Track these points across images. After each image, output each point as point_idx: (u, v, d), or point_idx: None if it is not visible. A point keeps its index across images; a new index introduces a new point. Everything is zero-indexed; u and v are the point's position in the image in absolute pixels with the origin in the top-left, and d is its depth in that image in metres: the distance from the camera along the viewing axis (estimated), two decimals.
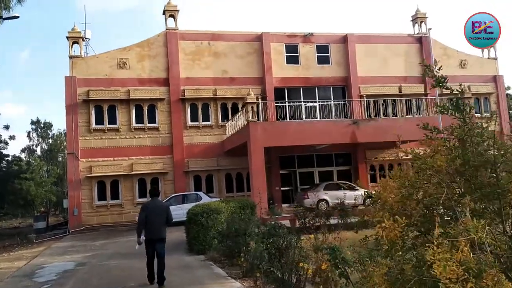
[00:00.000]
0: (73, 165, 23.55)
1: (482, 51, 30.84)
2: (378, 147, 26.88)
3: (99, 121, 24.14)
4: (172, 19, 25.73)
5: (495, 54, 30.64)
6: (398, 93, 27.56)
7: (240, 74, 26.06)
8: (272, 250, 6.56)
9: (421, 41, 28.90)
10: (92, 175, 23.59)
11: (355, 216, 16.35)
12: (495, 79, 30.29)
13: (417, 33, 29.15)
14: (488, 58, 30.57)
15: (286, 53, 26.98)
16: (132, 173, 24.03)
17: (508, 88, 40.19)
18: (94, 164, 23.75)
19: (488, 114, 29.69)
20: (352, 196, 23.06)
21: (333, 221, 15.93)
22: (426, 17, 29.29)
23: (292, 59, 27.02)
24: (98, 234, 21.09)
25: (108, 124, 24.18)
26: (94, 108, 24.11)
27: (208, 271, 9.98)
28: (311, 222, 15.46)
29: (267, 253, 6.65)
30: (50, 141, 62.97)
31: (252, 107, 19.71)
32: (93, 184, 23.72)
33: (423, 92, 28.05)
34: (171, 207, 20.31)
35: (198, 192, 23.11)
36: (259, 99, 20.80)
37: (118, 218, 23.84)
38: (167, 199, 22.36)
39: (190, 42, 25.67)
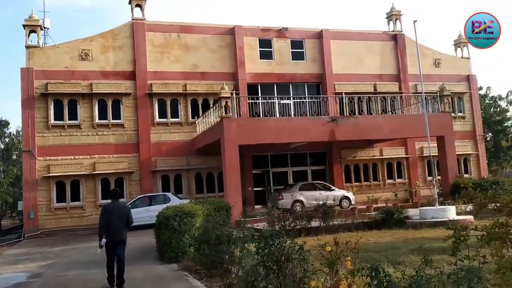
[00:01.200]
0: (29, 164, 21.62)
1: (455, 50, 30.64)
2: (353, 146, 26.18)
3: (59, 116, 22.28)
4: (139, 9, 24.14)
5: (468, 53, 30.48)
6: (373, 91, 26.89)
7: (211, 68, 24.75)
8: (269, 264, 5.36)
9: (396, 38, 28.38)
10: (50, 174, 21.73)
11: (337, 219, 15.45)
12: (468, 79, 30.11)
13: (392, 31, 28.58)
14: (462, 57, 30.37)
15: (259, 48, 25.83)
16: (95, 172, 22.32)
17: (481, 88, 40.42)
18: (53, 163, 21.90)
19: (461, 114, 29.50)
20: (329, 196, 22.30)
21: (314, 223, 14.94)
22: (401, 15, 28.79)
23: (266, 54, 25.91)
24: (57, 239, 19.36)
25: (69, 120, 22.37)
26: (53, 103, 22.25)
27: (185, 284, 8.65)
28: (292, 225, 14.36)
29: (263, 267, 5.45)
30: (7, 140, 59.99)
31: (226, 102, 18.50)
32: (51, 184, 21.86)
33: (397, 91, 27.49)
34: (137, 209, 19.03)
35: (166, 193, 21.65)
36: (234, 94, 19.52)
37: (79, 222, 22.08)
38: (132, 200, 20.83)
39: (158, 34, 24.15)
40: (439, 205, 17.15)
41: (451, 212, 15.33)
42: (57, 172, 21.85)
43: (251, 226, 14.85)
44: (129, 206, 16.87)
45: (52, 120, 22.12)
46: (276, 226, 14.73)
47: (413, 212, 16.63)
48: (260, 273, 5.46)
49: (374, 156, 26.84)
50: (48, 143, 21.97)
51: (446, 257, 9.21)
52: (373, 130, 20.42)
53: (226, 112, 18.41)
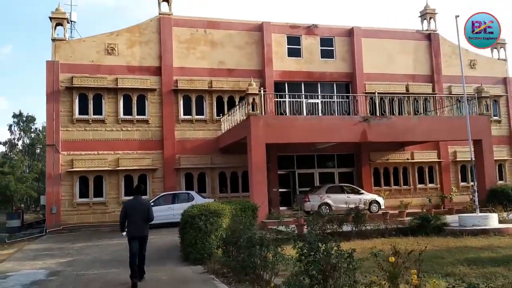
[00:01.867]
0: (52, 159, 21.37)
1: (492, 51, 29.35)
2: (383, 149, 25.25)
3: (83, 111, 21.99)
4: (165, 3, 23.71)
5: (505, 55, 29.16)
6: (405, 91, 25.86)
7: (238, 65, 24.14)
8: (314, 273, 4.67)
9: (430, 38, 27.29)
10: (74, 169, 21.45)
11: (370, 223, 14.63)
12: (505, 81, 28.79)
13: (426, 30, 27.50)
14: (498, 58, 29.07)
15: (287, 45, 25.11)
16: (118, 168, 21.94)
17: None
18: (76, 157, 21.61)
19: (497, 118, 28.22)
20: (358, 200, 21.45)
21: (346, 228, 14.14)
22: (436, 13, 27.69)
23: (294, 52, 25.18)
24: (78, 235, 18.99)
25: (93, 114, 22.05)
26: (78, 97, 21.97)
27: None
28: (322, 228, 13.59)
29: (306, 276, 4.76)
30: (33, 135, 60.75)
31: (254, 99, 17.85)
32: (74, 179, 21.57)
33: (431, 92, 26.41)
34: (160, 207, 18.55)
35: (189, 192, 21.13)
36: (261, 91, 18.86)
37: (101, 218, 21.73)
38: (155, 198, 20.37)
39: (185, 29, 23.67)
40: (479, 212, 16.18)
41: (493, 220, 14.35)
42: (81, 167, 21.55)
43: (282, 228, 14.16)
44: (151, 202, 16.39)
45: (76, 114, 21.83)
46: (305, 229, 14.04)
47: (450, 219, 15.65)
48: (303, 284, 4.76)
49: (405, 159, 25.82)
50: (72, 138, 21.69)
51: (500, 270, 8.47)
52: (407, 132, 19.49)
53: (253, 110, 17.76)
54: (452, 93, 26.16)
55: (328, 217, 14.00)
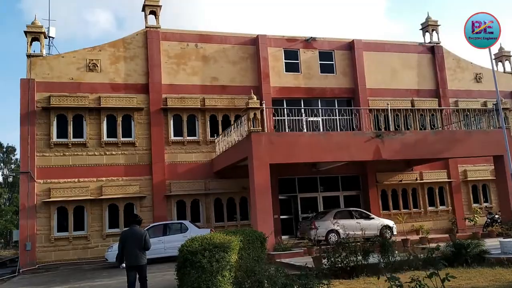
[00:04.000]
0: (27, 188, 19.00)
1: (497, 65, 28.00)
2: (389, 169, 23.38)
3: (62, 134, 19.78)
4: (153, 16, 21.89)
5: (511, 68, 27.82)
6: (410, 107, 24.17)
7: (232, 82, 22.27)
8: None
9: (434, 51, 25.85)
10: (51, 199, 19.07)
11: (399, 253, 12.54)
12: None
13: (429, 42, 26.07)
14: (504, 72, 27.70)
15: (285, 59, 23.37)
16: (102, 197, 19.62)
17: None
18: (54, 186, 19.27)
19: None
20: (368, 225, 19.49)
21: (371, 259, 12.02)
22: (438, 25, 26.31)
23: (292, 67, 23.43)
24: (56, 275, 16.51)
25: (73, 137, 19.85)
26: (56, 118, 19.78)
27: None
28: (345, 261, 11.47)
29: None
30: (13, 166, 58.38)
31: (255, 114, 15.85)
32: (51, 211, 19.17)
33: (437, 107, 24.76)
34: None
35: (183, 221, 18.82)
36: (264, 105, 16.93)
37: (83, 254, 19.28)
38: (144, 229, 17.98)
39: (174, 44, 21.80)
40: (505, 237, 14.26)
41: None
42: (59, 197, 19.20)
43: (293, 261, 12.04)
44: (146, 231, 14.66)
45: (54, 138, 19.60)
46: (325, 263, 11.90)
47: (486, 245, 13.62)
48: None
49: (413, 180, 23.91)
50: (49, 164, 19.41)
51: None
52: (423, 148, 17.64)
53: (255, 126, 15.76)
54: (457, 109, 24.53)
55: (351, 247, 11.85)
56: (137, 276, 9.23)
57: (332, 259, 11.53)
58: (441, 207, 24.30)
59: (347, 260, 11.54)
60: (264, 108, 16.65)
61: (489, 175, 25.23)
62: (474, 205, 24.85)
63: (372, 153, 16.80)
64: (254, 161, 15.50)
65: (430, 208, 24.10)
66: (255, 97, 16.39)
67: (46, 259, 18.81)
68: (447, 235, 18.82)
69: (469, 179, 24.91)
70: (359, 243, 12.59)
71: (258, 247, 12.18)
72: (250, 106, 15.83)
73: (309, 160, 16.66)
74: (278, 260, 14.06)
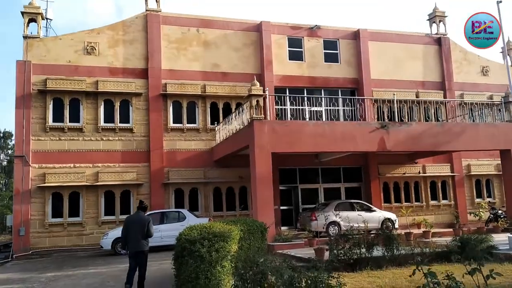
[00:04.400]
0: (21, 172, 18.54)
1: (504, 59, 27.46)
2: (392, 161, 22.94)
3: (58, 117, 19.28)
4: None
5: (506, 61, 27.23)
6: (415, 99, 23.63)
7: (234, 69, 21.72)
8: None
9: (440, 42, 25.29)
10: (46, 185, 18.61)
11: (404, 246, 12.11)
12: None
13: (436, 33, 25.50)
14: (511, 65, 27.10)
15: (288, 47, 22.82)
16: (98, 184, 19.17)
17: None
18: (49, 171, 18.79)
19: None
20: (370, 218, 19.09)
21: (376, 252, 11.60)
22: (445, 16, 25.73)
23: (296, 55, 22.88)
24: (50, 262, 16.10)
25: (69, 122, 19.34)
26: (52, 102, 19.26)
27: None
28: (348, 254, 11.03)
29: None
30: (10, 151, 57.91)
31: (258, 101, 15.34)
32: (46, 196, 18.71)
33: (442, 99, 24.24)
34: None
35: (180, 210, 18.40)
36: (267, 92, 16.42)
37: (78, 241, 18.87)
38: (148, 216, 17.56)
39: (175, 28, 21.22)
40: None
41: None
42: (54, 182, 18.73)
43: (294, 253, 11.62)
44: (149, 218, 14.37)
45: (50, 122, 19.10)
46: (327, 255, 11.48)
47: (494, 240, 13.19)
48: None
49: (416, 173, 23.47)
50: (44, 148, 18.92)
51: None
52: (429, 140, 17.16)
53: (258, 113, 15.26)
54: (464, 101, 24.02)
55: (354, 239, 11.41)
56: (137, 263, 9.20)
57: (335, 251, 11.08)
58: (443, 201, 23.90)
59: (350, 252, 11.12)
60: (267, 96, 16.12)
61: (493, 170, 24.83)
62: (477, 200, 24.44)
63: (376, 144, 16.33)
64: (255, 150, 15.03)
65: (432, 202, 23.70)
66: (258, 83, 15.86)
67: (40, 245, 18.39)
68: (450, 230, 18.45)
69: (472, 173, 24.49)
70: (362, 236, 12.16)
71: (259, 238, 11.76)
72: (252, 92, 15.32)
73: (312, 150, 16.21)
74: (279, 251, 13.62)
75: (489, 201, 24.21)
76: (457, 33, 67.06)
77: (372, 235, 12.56)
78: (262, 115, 15.41)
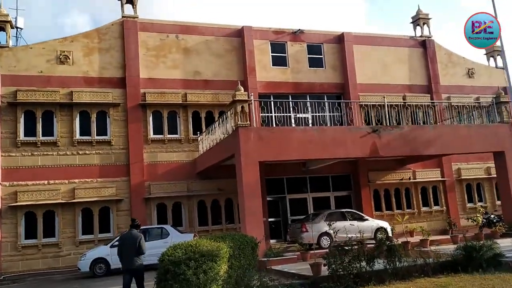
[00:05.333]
0: None
1: (488, 60, 27.22)
2: (382, 168, 22.26)
3: (30, 131, 18.10)
4: (130, 5, 20.35)
5: (504, 63, 26.95)
6: (403, 103, 23.05)
7: (216, 76, 20.86)
8: None
9: (425, 45, 24.85)
10: (18, 204, 17.37)
11: (406, 258, 11.27)
12: (505, 91, 26.44)
13: (420, 36, 25.07)
14: (496, 67, 26.88)
15: (272, 52, 22.04)
16: (74, 201, 18.00)
17: None
18: (21, 189, 17.57)
19: None
20: (362, 227, 18.28)
21: (377, 265, 10.73)
22: (429, 18, 25.34)
23: (279, 60, 22.12)
24: (23, 287, 14.87)
25: (43, 136, 18.18)
26: (23, 115, 18.09)
27: None
28: (348, 268, 10.14)
29: None
30: None
31: (243, 107, 14.47)
32: (18, 216, 17.45)
33: (430, 103, 23.70)
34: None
35: (163, 226, 17.33)
36: (252, 97, 15.57)
37: (54, 263, 17.61)
38: (120, 235, 16.45)
39: (153, 34, 20.29)
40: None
41: None
42: (27, 201, 17.50)
43: (288, 268, 10.71)
44: (115, 241, 14.78)
45: (21, 136, 17.91)
46: (324, 270, 10.58)
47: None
48: None
49: (407, 179, 22.81)
50: (15, 165, 17.71)
51: None
52: (423, 144, 16.49)
53: (242, 120, 14.37)
54: (452, 104, 23.48)
55: (354, 251, 10.53)
56: (133, 279, 9.40)
57: (333, 266, 10.19)
58: (435, 207, 23.24)
59: (350, 267, 10.24)
60: (252, 101, 15.25)
61: (483, 174, 24.36)
62: (469, 204, 23.89)
63: (368, 150, 15.58)
64: (242, 159, 14.12)
65: (424, 209, 23.02)
66: (242, 88, 15.00)
67: (13, 269, 17.08)
68: (447, 237, 17.77)
69: (463, 177, 23.94)
70: (360, 247, 11.29)
71: (249, 254, 10.85)
72: (237, 98, 14.45)
73: (301, 157, 15.36)
74: (272, 267, 12.69)
75: (481, 206, 23.65)
76: (441, 36, 66.79)
77: (368, 245, 11.67)
78: (248, 122, 14.52)
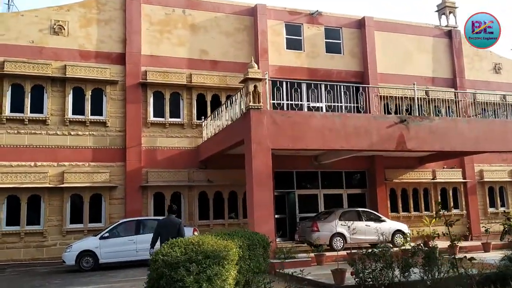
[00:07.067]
0: None
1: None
2: (400, 165, 20.54)
3: (17, 107, 16.36)
4: None
5: None
6: (425, 97, 21.25)
7: (224, 57, 19.10)
8: None
9: (451, 35, 23.02)
10: (0, 186, 15.63)
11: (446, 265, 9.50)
12: None
13: (446, 25, 23.24)
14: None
15: (286, 35, 20.29)
16: (63, 186, 16.27)
17: None
18: (4, 170, 15.85)
19: None
20: (379, 229, 16.60)
21: (413, 275, 8.96)
22: (456, 7, 23.52)
23: (294, 44, 20.34)
24: (1, 280, 13.18)
25: (31, 112, 16.44)
26: (10, 88, 16.35)
27: None
28: (379, 278, 8.40)
29: None
30: None
31: (256, 87, 12.69)
32: (0, 200, 15.73)
33: (453, 98, 21.89)
34: (118, 239, 13.47)
35: (161, 218, 15.53)
36: (266, 75, 13.82)
37: (37, 253, 15.90)
38: (111, 226, 14.80)
39: (158, 8, 18.51)
40: None
41: None
42: (9, 183, 15.77)
43: (301, 273, 8.96)
44: (105, 233, 14.19)
45: (7, 112, 16.19)
46: (349, 276, 8.84)
47: None
48: None
49: (426, 179, 21.06)
50: None
51: None
52: (456, 139, 14.73)
53: (255, 101, 12.61)
54: (476, 100, 21.68)
55: (387, 257, 8.77)
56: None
57: (361, 274, 8.44)
58: (454, 211, 21.47)
59: (381, 276, 8.50)
60: (267, 81, 13.50)
61: (507, 177, 22.61)
62: (491, 209, 22.17)
63: (395, 142, 13.82)
64: (252, 145, 12.38)
65: (442, 211, 21.18)
66: (256, 65, 13.23)
67: None
68: (477, 243, 16.04)
69: (485, 180, 22.17)
70: (393, 253, 9.53)
71: (260, 255, 9.03)
72: (249, 76, 12.68)
73: (320, 147, 13.61)
74: (280, 270, 10.97)
75: (504, 211, 21.89)
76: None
77: (410, 252, 9.88)
78: (261, 104, 12.75)
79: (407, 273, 8.70)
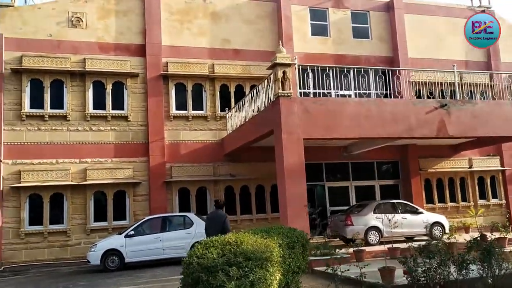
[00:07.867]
0: None
1: None
2: (434, 154, 19.55)
3: (37, 103, 15.90)
4: None
5: None
6: (459, 81, 20.12)
7: (247, 45, 18.33)
8: None
9: None
10: (22, 185, 15.23)
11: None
12: None
13: (479, 6, 22.03)
14: None
15: (311, 20, 19.41)
16: (86, 183, 15.77)
17: None
18: (26, 168, 15.42)
19: None
20: (416, 222, 15.78)
21: (472, 273, 8.08)
22: None
23: (319, 29, 19.46)
24: (25, 281, 12.75)
25: (51, 108, 15.97)
26: (29, 83, 15.88)
27: None
28: (433, 276, 7.57)
29: None
30: None
31: (285, 73, 11.88)
32: (22, 199, 15.31)
33: (488, 83, 20.72)
34: (143, 237, 12.87)
35: (186, 214, 14.95)
36: (296, 60, 13.02)
37: (61, 253, 15.47)
38: (136, 224, 14.20)
39: None
40: None
41: None
42: (32, 182, 15.34)
43: (345, 272, 8.16)
44: (131, 231, 13.86)
45: (27, 108, 15.73)
46: (397, 275, 8.03)
47: None
48: None
49: (463, 167, 20.00)
50: (20, 140, 15.58)
51: None
52: (500, 123, 13.68)
53: (285, 88, 11.81)
54: None
55: (442, 253, 7.91)
56: None
57: (413, 273, 7.61)
58: (493, 201, 20.39)
59: (436, 274, 7.65)
60: (296, 66, 12.69)
61: None
62: None
63: (435, 129, 12.85)
64: (283, 136, 11.59)
65: (480, 202, 20.18)
66: (284, 50, 12.43)
67: (15, 259, 15.02)
68: None
69: None
70: (447, 248, 8.65)
71: (299, 254, 8.26)
72: (278, 61, 11.87)
73: (356, 135, 12.72)
74: (316, 268, 10.21)
75: None
76: (503, 6, 61.04)
77: (466, 246, 8.99)
78: (291, 91, 11.94)
79: (466, 271, 7.84)
